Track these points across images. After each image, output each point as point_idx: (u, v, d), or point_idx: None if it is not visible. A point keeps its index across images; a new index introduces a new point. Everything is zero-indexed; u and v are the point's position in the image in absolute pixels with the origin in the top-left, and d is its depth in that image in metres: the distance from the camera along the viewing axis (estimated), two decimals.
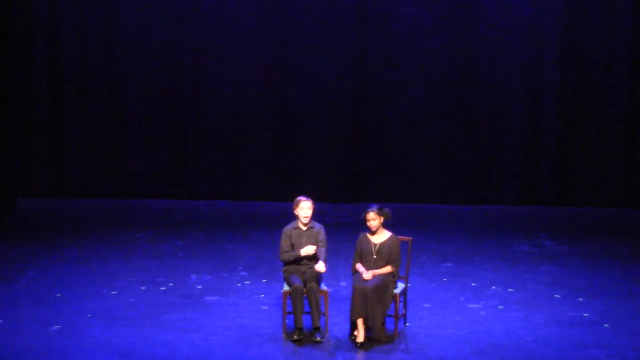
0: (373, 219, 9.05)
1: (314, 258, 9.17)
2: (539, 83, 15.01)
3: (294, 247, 9.20)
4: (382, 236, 9.13)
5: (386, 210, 9.12)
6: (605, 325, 9.50)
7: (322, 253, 9.14)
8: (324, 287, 9.20)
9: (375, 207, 9.07)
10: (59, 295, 10.32)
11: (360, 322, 8.81)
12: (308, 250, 9.10)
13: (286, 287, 9.17)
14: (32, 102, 15.28)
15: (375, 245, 9.10)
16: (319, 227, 9.28)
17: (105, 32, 15.20)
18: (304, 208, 9.19)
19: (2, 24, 14.48)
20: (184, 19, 15.14)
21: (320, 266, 9.00)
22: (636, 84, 14.82)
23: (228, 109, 15.36)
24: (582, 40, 14.85)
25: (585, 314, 9.82)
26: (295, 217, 9.28)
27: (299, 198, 9.27)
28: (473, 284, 10.89)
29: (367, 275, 8.89)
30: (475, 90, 15.10)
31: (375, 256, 9.06)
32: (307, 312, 9.09)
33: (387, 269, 9.03)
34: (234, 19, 15.12)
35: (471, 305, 10.12)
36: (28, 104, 15.27)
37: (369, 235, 9.16)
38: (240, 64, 15.21)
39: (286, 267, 9.24)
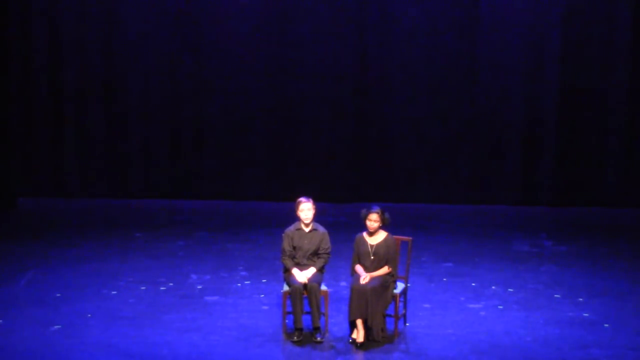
0: (375, 220, 9.04)
1: (314, 256, 9.17)
2: (539, 83, 15.00)
3: (295, 249, 9.20)
4: (378, 237, 9.12)
5: (387, 216, 9.12)
6: (605, 325, 9.50)
7: (317, 263, 9.16)
8: (324, 287, 9.20)
9: (378, 209, 9.05)
10: (59, 295, 10.32)
11: (359, 322, 8.81)
12: (301, 278, 9.05)
13: (286, 287, 9.17)
14: (32, 102, 15.28)
15: (372, 246, 9.09)
16: (323, 232, 9.25)
17: (105, 31, 15.20)
18: (305, 210, 9.18)
19: (2, 24, 14.47)
20: (184, 19, 15.14)
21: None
22: (636, 84, 14.82)
23: (228, 109, 15.35)
24: (582, 40, 14.85)
25: (585, 314, 9.82)
26: (297, 219, 9.27)
27: (299, 199, 9.25)
28: (473, 284, 10.89)
29: (364, 280, 8.89)
30: (475, 90, 15.10)
31: (372, 257, 9.06)
32: (307, 312, 9.09)
33: (385, 269, 9.03)
34: (234, 18, 15.11)
35: (471, 305, 10.12)
36: (28, 104, 15.27)
37: (365, 237, 9.15)
38: (241, 63, 15.21)
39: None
